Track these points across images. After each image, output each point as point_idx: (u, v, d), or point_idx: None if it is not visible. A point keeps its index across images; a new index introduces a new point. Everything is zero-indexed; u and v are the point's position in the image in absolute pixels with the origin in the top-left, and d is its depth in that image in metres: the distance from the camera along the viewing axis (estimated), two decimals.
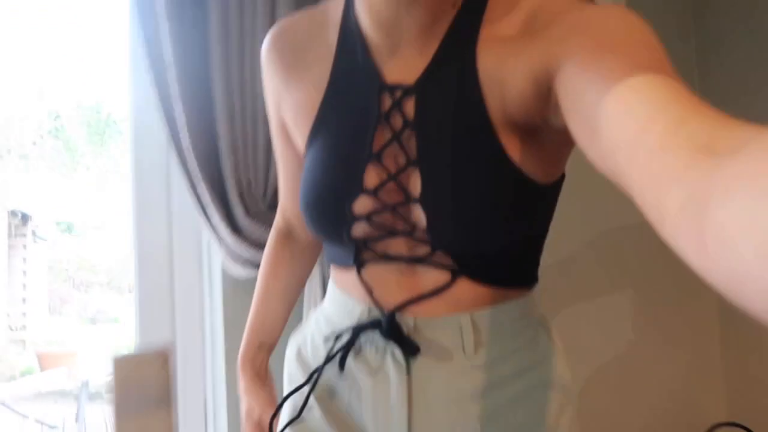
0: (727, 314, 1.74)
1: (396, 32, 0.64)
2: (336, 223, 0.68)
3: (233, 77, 1.09)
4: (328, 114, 0.70)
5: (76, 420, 3.99)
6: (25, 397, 4.25)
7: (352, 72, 0.68)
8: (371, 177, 0.66)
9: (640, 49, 0.47)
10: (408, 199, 0.65)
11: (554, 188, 0.67)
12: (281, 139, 0.81)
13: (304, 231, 0.88)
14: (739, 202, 0.26)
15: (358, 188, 0.66)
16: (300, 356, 0.78)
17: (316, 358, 0.74)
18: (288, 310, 0.92)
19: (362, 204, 0.66)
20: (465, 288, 0.67)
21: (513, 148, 0.61)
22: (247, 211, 1.13)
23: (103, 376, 4.51)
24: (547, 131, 0.60)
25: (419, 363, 0.67)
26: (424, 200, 0.63)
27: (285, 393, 0.78)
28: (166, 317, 1.34)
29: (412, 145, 0.64)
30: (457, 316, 0.67)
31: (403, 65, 0.66)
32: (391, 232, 0.67)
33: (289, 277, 0.92)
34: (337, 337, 0.71)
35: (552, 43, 0.54)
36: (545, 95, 0.56)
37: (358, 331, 0.69)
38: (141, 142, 1.32)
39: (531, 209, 0.65)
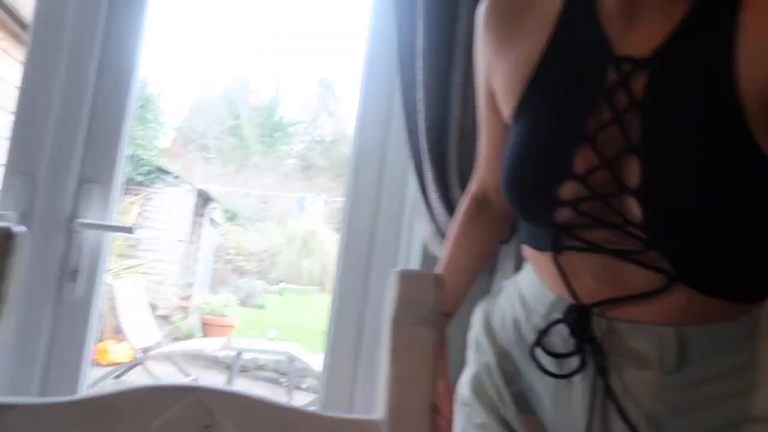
0: None
1: None
2: (539, 206, 0.63)
3: (471, 69, 1.19)
4: (540, 85, 0.64)
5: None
6: (186, 357, 4.71)
7: (575, 40, 0.62)
8: (581, 161, 0.59)
9: None
10: (622, 189, 0.57)
11: None
12: (487, 108, 0.78)
13: (499, 201, 0.82)
14: None
15: (566, 172, 0.60)
16: (487, 324, 0.75)
17: (505, 333, 0.72)
18: (471, 281, 0.88)
19: (569, 189, 0.60)
20: (680, 297, 0.58)
21: (766, 137, 0.52)
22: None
23: (255, 352, 4.80)
24: None
25: (609, 368, 0.61)
26: (643, 194, 0.56)
27: (469, 355, 0.77)
28: (360, 290, 1.45)
29: (635, 128, 0.57)
30: (662, 328, 0.59)
31: (638, 35, 0.57)
32: (599, 223, 0.60)
33: (477, 249, 0.87)
34: (542, 332, 0.66)
35: None
36: None
37: (552, 324, 0.65)
38: (363, 127, 1.46)
39: None
